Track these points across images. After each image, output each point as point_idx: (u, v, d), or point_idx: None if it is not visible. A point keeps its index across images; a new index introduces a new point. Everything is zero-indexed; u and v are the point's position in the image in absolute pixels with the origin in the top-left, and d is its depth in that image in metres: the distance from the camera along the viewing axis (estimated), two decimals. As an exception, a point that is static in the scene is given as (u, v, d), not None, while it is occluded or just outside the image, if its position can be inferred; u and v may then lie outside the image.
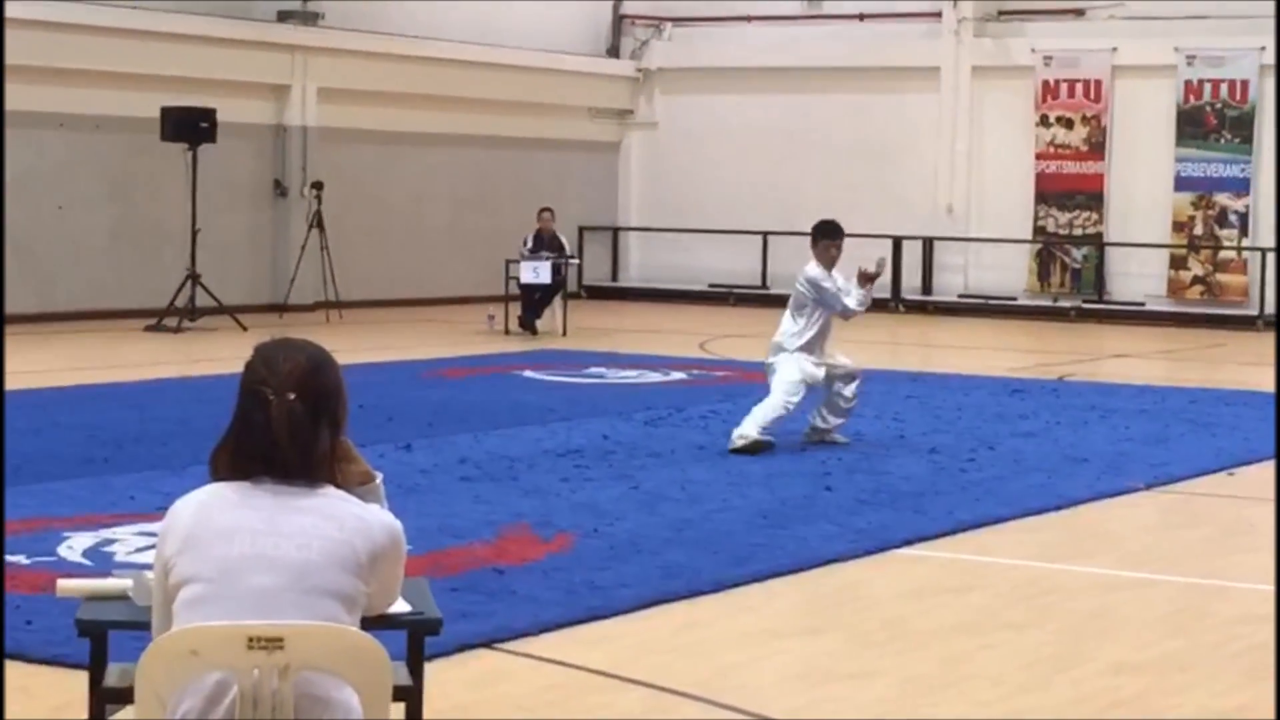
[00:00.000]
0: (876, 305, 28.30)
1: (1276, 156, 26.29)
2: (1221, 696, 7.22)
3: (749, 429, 13.25)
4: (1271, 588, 9.05)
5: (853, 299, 13.61)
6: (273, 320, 24.03)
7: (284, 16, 26.35)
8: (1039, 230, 28.49)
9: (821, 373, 13.59)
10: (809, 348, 13.61)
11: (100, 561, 8.96)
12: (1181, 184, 27.54)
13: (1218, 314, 27.03)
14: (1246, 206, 27.15)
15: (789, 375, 13.46)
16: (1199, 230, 27.50)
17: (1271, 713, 6.98)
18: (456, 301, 27.75)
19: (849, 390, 13.81)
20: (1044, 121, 28.40)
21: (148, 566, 4.55)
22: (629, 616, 8.38)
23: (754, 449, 13.12)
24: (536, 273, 23.27)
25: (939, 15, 29.22)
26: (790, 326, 13.66)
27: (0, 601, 7.71)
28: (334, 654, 4.06)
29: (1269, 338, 24.70)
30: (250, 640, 4.00)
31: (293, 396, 4.25)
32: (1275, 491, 11.62)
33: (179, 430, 13.67)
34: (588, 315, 25.89)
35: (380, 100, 27.39)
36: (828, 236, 13.86)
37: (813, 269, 13.69)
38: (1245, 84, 27.05)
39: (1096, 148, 28.12)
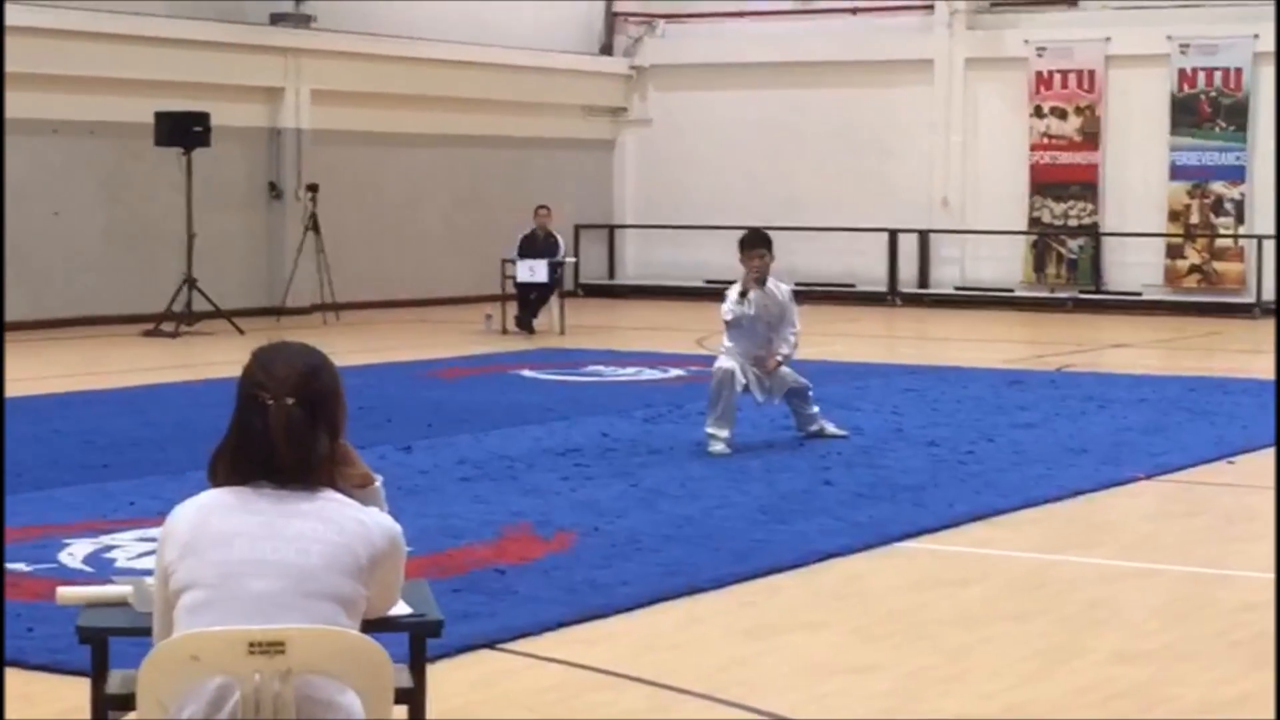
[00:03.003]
0: (873, 299, 28.61)
1: (1277, 146, 26.22)
2: (1223, 685, 7.23)
3: (707, 435, 13.21)
4: (1272, 576, 9.05)
5: (725, 308, 13.47)
6: (270, 323, 24.03)
7: (277, 19, 26.33)
8: (1034, 221, 28.47)
9: (735, 366, 13.37)
10: (734, 347, 13.54)
11: (101, 568, 8.97)
12: (1176, 173, 27.53)
13: (1215, 302, 27.02)
14: (1242, 194, 27.13)
15: (717, 363, 13.46)
16: (1195, 219, 27.48)
17: (1273, 701, 6.98)
18: (453, 302, 27.73)
19: (809, 408, 13.77)
20: (1038, 112, 28.39)
21: (148, 572, 4.56)
22: (630, 614, 8.38)
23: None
24: (533, 271, 23.26)
25: (931, 8, 29.21)
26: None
27: (1, 609, 7.71)
28: (335, 657, 4.06)
29: (1266, 325, 24.71)
30: (251, 645, 4.00)
31: (291, 401, 4.25)
32: (1276, 479, 11.62)
33: (178, 435, 13.66)
34: (585, 313, 25.88)
35: (374, 102, 27.37)
36: (745, 249, 13.72)
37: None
38: (1239, 72, 27.03)
39: (1091, 138, 28.11)
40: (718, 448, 13.04)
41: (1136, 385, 17.41)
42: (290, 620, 4.08)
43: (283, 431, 4.23)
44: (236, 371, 4.36)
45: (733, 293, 13.47)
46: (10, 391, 16.33)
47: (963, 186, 29.19)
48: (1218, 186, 27.30)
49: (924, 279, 29.28)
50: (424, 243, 28.41)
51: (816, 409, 13.83)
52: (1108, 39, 27.88)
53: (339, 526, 4.21)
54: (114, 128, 24.07)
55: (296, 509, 4.22)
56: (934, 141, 29.27)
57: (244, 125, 25.68)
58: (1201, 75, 27.33)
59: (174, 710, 4.04)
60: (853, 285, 28.77)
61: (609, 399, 16.47)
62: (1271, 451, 13.22)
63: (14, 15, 22.32)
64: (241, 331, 22.17)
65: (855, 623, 8.34)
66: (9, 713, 6.77)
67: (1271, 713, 6.85)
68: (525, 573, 9.07)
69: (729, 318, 13.41)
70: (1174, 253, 27.66)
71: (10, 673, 7.23)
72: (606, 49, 31.71)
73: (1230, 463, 12.97)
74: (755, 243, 13.63)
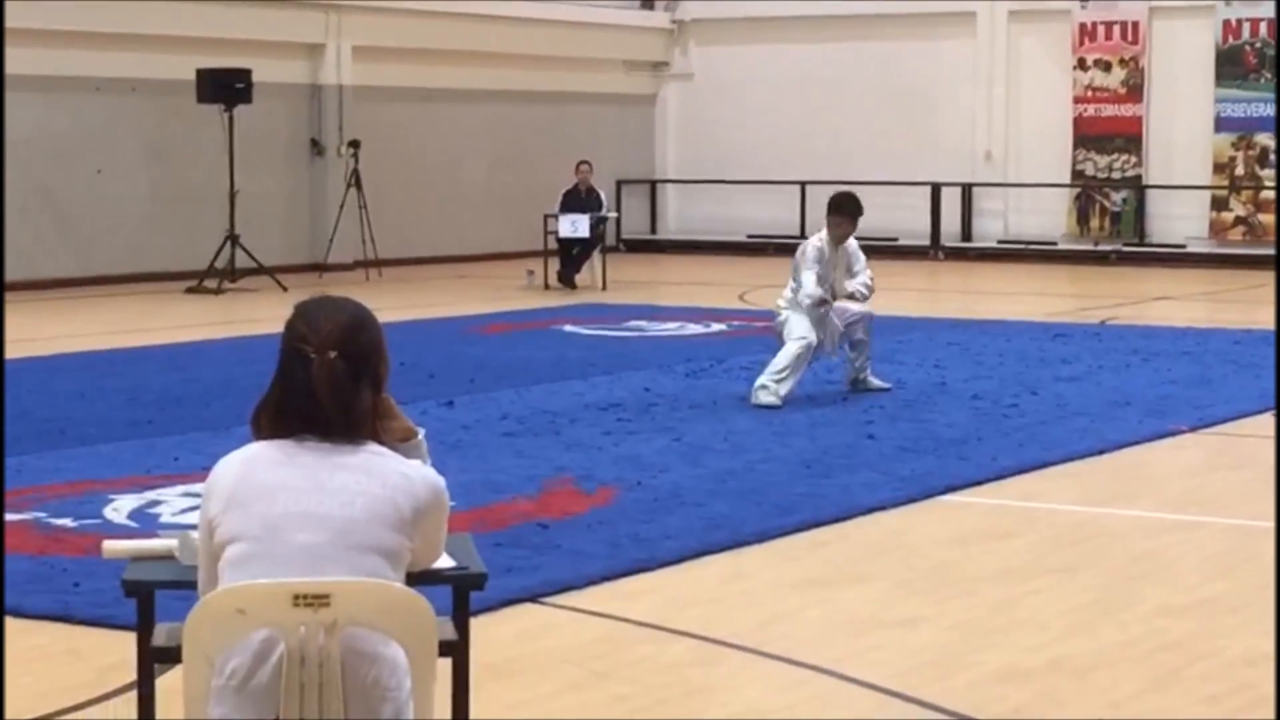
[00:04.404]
0: (916, 253, 28.53)
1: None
2: (1269, 637, 7.20)
3: (764, 384, 13.11)
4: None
5: (805, 292, 13.36)
6: (312, 280, 24.06)
7: (317, -25, 26.32)
8: (1078, 174, 28.36)
9: (814, 338, 13.36)
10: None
11: (145, 523, 9.01)
12: (1221, 124, 27.38)
13: (1260, 254, 26.84)
14: (1287, 146, 26.98)
15: (801, 326, 13.35)
16: (1240, 171, 27.34)
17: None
18: (495, 258, 27.74)
19: (861, 358, 13.75)
20: (1081, 65, 28.24)
21: (193, 527, 4.57)
22: (673, 568, 8.40)
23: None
24: (575, 226, 23.24)
25: (974, -41, 29.08)
26: (789, 290, 13.55)
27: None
28: (380, 610, 4.07)
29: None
30: (296, 598, 4.01)
31: (334, 354, 4.25)
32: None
33: (221, 391, 13.71)
34: (626, 268, 25.86)
35: (415, 57, 27.35)
36: (834, 213, 13.68)
37: (811, 242, 13.56)
38: (1284, 22, 26.85)
39: (1135, 90, 27.96)
40: (770, 399, 12.97)
41: (1181, 338, 17.34)
42: (334, 573, 4.09)
43: (326, 385, 4.23)
44: (279, 328, 4.36)
45: (810, 247, 13.42)
46: (56, 348, 16.44)
47: (1006, 140, 29.08)
48: (1263, 138, 27.13)
49: (967, 232, 29.19)
50: (466, 198, 28.41)
51: (868, 361, 13.83)
52: (1152, -10, 27.71)
53: (382, 479, 4.21)
54: (156, 85, 24.10)
55: (340, 462, 4.22)
56: (977, 95, 29.15)
57: (286, 82, 25.69)
58: (1246, 25, 27.14)
59: (219, 663, 4.06)
60: (896, 239, 28.66)
61: (651, 354, 16.47)
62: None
63: (55, -27, 22.35)
64: (284, 288, 22.20)
65: (899, 576, 8.33)
66: (57, 666, 6.82)
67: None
68: (568, 527, 9.08)
69: (807, 303, 13.37)
70: (1219, 205, 27.52)
71: (56, 627, 7.28)
72: (648, 3, 31.62)
73: (1276, 415, 12.92)
74: (837, 209, 13.66)
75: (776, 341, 13.44)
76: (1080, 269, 26.90)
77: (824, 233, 13.61)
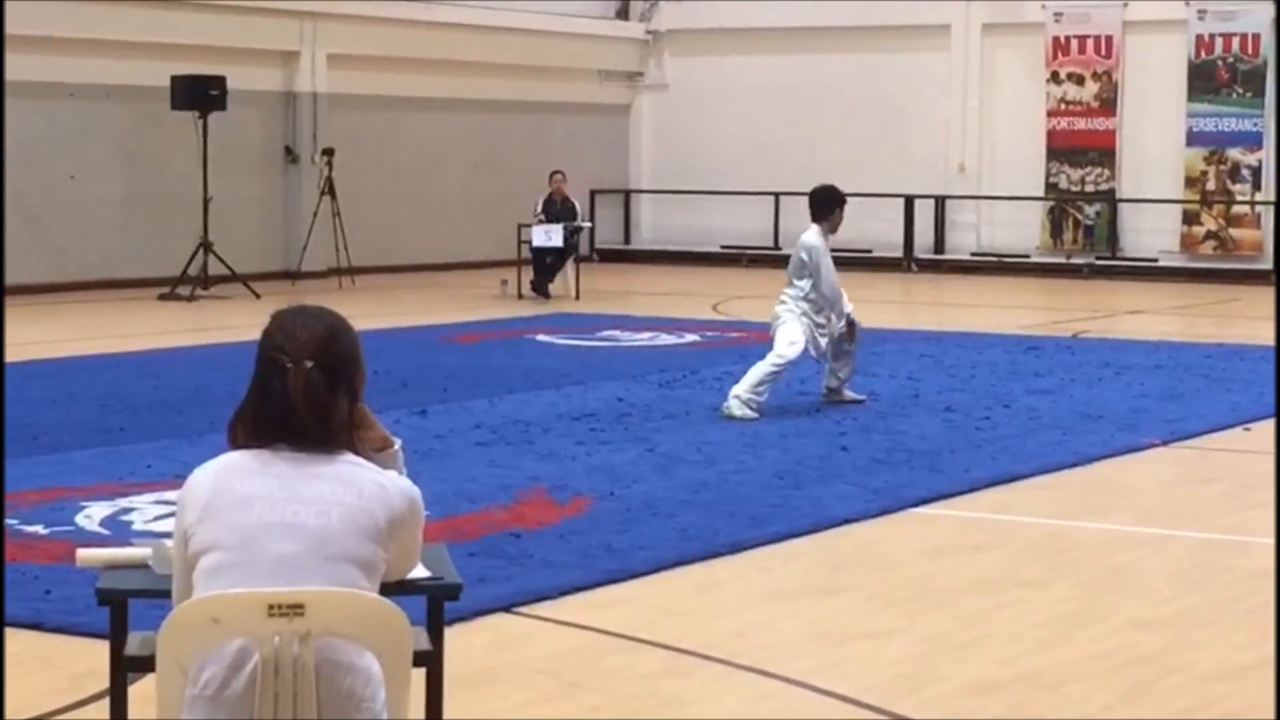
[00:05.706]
0: (890, 264, 28.58)
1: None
2: (1241, 651, 7.23)
3: (738, 395, 13.08)
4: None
5: (845, 313, 13.46)
6: (285, 287, 24.03)
7: (292, -17, 26.29)
8: (1051, 187, 28.43)
9: (825, 342, 13.46)
10: (816, 309, 13.47)
11: (118, 531, 8.99)
12: (1194, 139, 27.47)
13: (1231, 269, 26.97)
14: (1259, 161, 27.06)
15: (791, 334, 13.35)
16: (1211, 185, 27.43)
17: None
18: (469, 266, 27.73)
19: (844, 368, 13.74)
20: (1055, 78, 28.32)
21: (165, 535, 4.56)
22: (647, 579, 8.39)
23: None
24: (548, 236, 23.24)
25: (949, -27, 29.14)
26: (793, 291, 13.52)
27: (1, 590, 7.72)
28: (354, 620, 4.07)
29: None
30: (271, 607, 4.01)
31: (310, 364, 4.25)
32: (1276, 446, 11.57)
33: (194, 399, 13.68)
34: (600, 278, 25.87)
35: (390, 66, 27.33)
36: (840, 206, 13.70)
37: (816, 238, 13.51)
38: (1256, 38, 26.95)
39: (1108, 104, 28.04)
40: (746, 413, 12.95)
41: (1153, 351, 17.39)
42: (310, 583, 4.09)
43: (302, 394, 4.23)
44: (252, 335, 4.36)
45: (821, 243, 13.44)
46: (27, 355, 16.38)
47: (979, 152, 29.15)
48: (1235, 153, 27.23)
49: (940, 245, 29.25)
50: (440, 207, 28.40)
51: (852, 373, 13.81)
52: (1125, 4, 27.80)
53: (358, 489, 4.22)
54: (130, 91, 24.06)
55: (316, 472, 4.22)
56: (951, 107, 29.22)
57: (260, 89, 25.66)
58: (1219, 41, 27.24)
59: (193, 672, 4.05)
60: (869, 251, 28.70)
61: (625, 364, 16.47)
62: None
63: (30, -22, 22.30)
64: (257, 295, 22.18)
65: (872, 588, 8.34)
66: (29, 674, 6.79)
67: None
68: (541, 537, 9.08)
69: (841, 328, 13.50)
70: (1190, 219, 27.61)
71: (28, 635, 7.25)
72: (623, 13, 31.64)
73: (1247, 429, 12.96)
74: (843, 199, 13.79)
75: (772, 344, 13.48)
76: (1053, 282, 26.96)
77: (819, 231, 13.54)
